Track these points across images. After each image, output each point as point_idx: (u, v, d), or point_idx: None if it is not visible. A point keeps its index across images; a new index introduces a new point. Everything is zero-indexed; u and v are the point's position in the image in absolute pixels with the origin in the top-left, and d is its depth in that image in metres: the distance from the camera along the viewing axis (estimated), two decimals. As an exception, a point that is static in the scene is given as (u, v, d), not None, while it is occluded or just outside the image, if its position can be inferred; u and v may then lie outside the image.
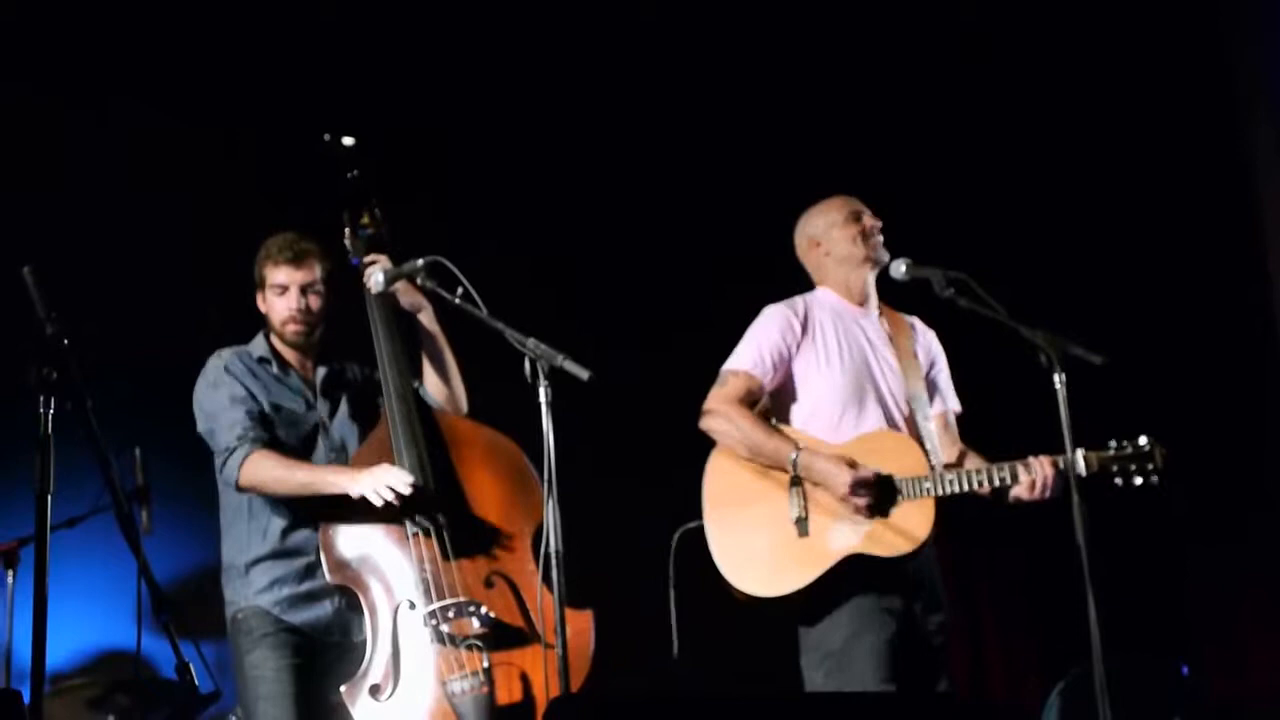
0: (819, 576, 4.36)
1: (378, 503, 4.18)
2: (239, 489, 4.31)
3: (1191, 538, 6.65)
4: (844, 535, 4.39)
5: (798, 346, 4.62)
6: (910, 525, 4.37)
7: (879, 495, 4.38)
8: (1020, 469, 4.37)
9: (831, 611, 4.39)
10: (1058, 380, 4.10)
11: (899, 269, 4.40)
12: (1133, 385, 5.22)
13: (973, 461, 4.58)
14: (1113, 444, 4.32)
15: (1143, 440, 4.34)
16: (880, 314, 4.75)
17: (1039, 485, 4.35)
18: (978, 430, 4.73)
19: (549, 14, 6.63)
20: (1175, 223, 6.76)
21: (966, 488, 4.38)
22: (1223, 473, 6.54)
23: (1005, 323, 4.19)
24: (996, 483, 4.39)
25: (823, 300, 4.73)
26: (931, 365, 4.77)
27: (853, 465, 4.38)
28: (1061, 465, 4.29)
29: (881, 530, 4.38)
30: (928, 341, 4.81)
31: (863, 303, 4.73)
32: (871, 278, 4.72)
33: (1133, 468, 4.33)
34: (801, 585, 4.36)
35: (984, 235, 6.44)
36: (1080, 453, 4.26)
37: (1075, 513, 3.97)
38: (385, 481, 4.19)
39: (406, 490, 4.19)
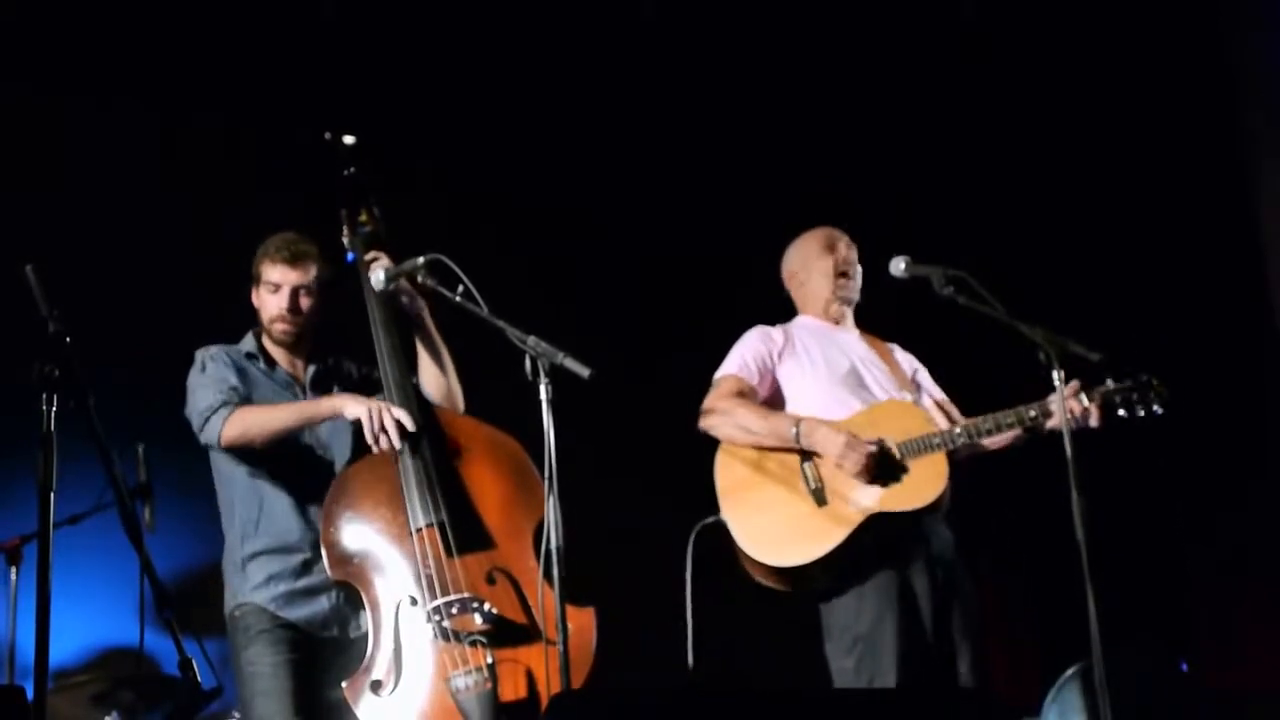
0: (846, 538, 4.42)
1: (369, 426, 4.20)
2: (223, 447, 4.31)
3: (1191, 535, 6.66)
4: (861, 498, 4.48)
5: (779, 355, 4.76)
6: (924, 479, 4.48)
7: (877, 460, 4.44)
8: (1026, 412, 4.48)
9: (855, 594, 4.46)
10: (1056, 377, 4.13)
11: (898, 267, 4.44)
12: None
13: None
14: (1110, 380, 4.39)
15: (1143, 374, 4.44)
16: (859, 334, 4.89)
17: (1071, 419, 4.37)
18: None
19: (549, 13, 6.64)
20: (1174, 221, 6.77)
21: (976, 437, 4.51)
22: (1223, 470, 6.56)
23: (1004, 320, 4.21)
24: (1003, 428, 4.51)
25: (803, 323, 4.89)
26: (915, 372, 4.91)
27: (849, 432, 4.48)
28: (1079, 393, 4.40)
29: (897, 488, 4.47)
30: (908, 357, 4.95)
31: (839, 322, 4.88)
32: (848, 310, 4.88)
33: (1135, 397, 4.43)
34: (831, 548, 4.43)
35: (984, 234, 6.45)
36: (1080, 385, 4.38)
37: (1075, 509, 3.99)
38: (389, 413, 4.21)
39: (411, 426, 4.21)
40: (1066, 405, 4.39)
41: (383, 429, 4.22)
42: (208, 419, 4.32)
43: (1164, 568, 6.60)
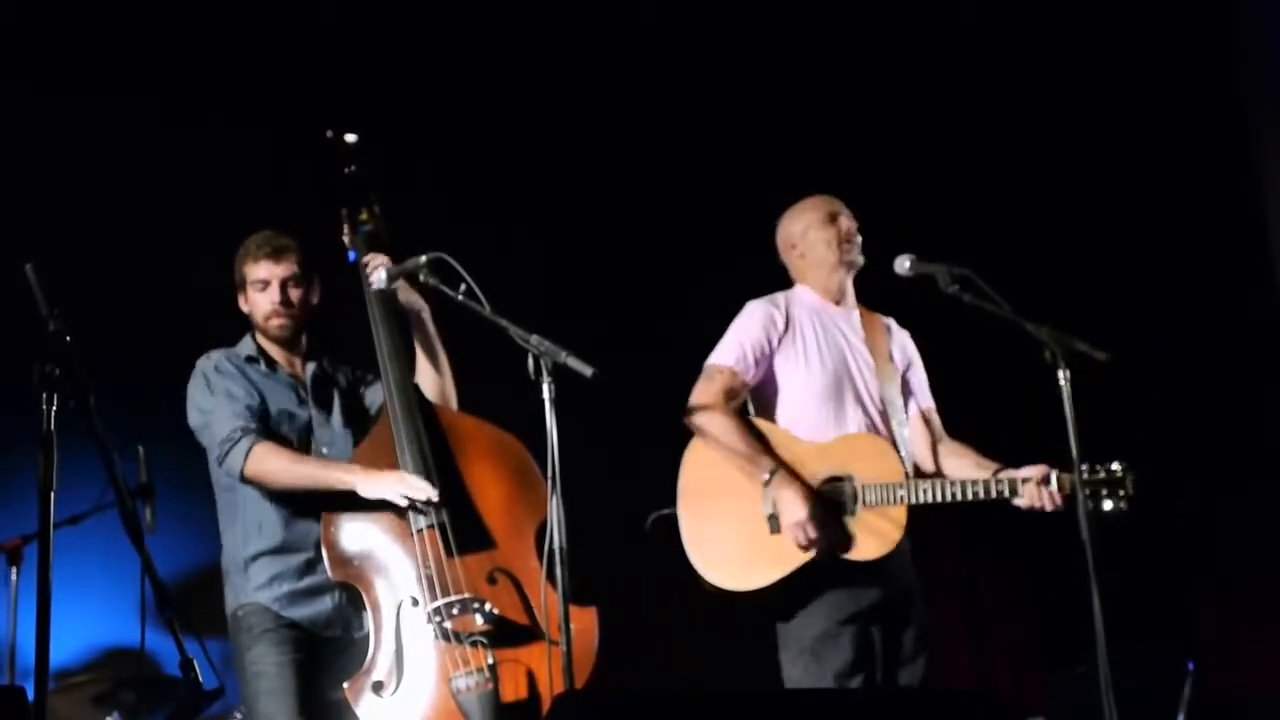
0: (784, 576, 4.40)
1: (402, 503, 4.19)
2: (243, 479, 4.30)
3: (1192, 535, 6.66)
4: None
5: (779, 341, 4.66)
6: (880, 530, 4.42)
7: (826, 536, 4.38)
8: (994, 486, 4.42)
9: (806, 606, 4.43)
10: (1062, 377, 4.10)
11: (903, 265, 4.40)
12: (1135, 383, 5.22)
13: (965, 459, 4.63)
14: (1084, 467, 4.25)
15: (1115, 465, 4.34)
16: (858, 314, 4.79)
17: (1037, 507, 4.40)
18: (981, 427, 4.74)
19: (549, 13, 6.63)
20: (1179, 218, 6.77)
21: (941, 499, 4.42)
22: (1224, 470, 6.56)
23: (1009, 319, 4.19)
24: (969, 497, 4.43)
25: (802, 298, 4.78)
26: (908, 366, 4.82)
27: (814, 507, 4.38)
28: (1050, 482, 4.37)
29: (851, 533, 4.42)
30: (903, 342, 4.85)
31: (840, 301, 4.78)
32: (849, 280, 4.78)
33: (1104, 492, 4.32)
34: (768, 583, 4.42)
35: (987, 233, 6.44)
36: (1053, 475, 4.35)
37: (1079, 509, 3.97)
38: (409, 490, 4.19)
39: (435, 496, 4.20)
40: (1035, 494, 4.37)
41: (411, 499, 4.21)
42: (229, 451, 4.31)
43: (1165, 568, 6.59)
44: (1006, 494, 4.42)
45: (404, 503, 4.20)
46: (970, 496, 4.43)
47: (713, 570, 4.46)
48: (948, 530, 4.61)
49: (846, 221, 4.74)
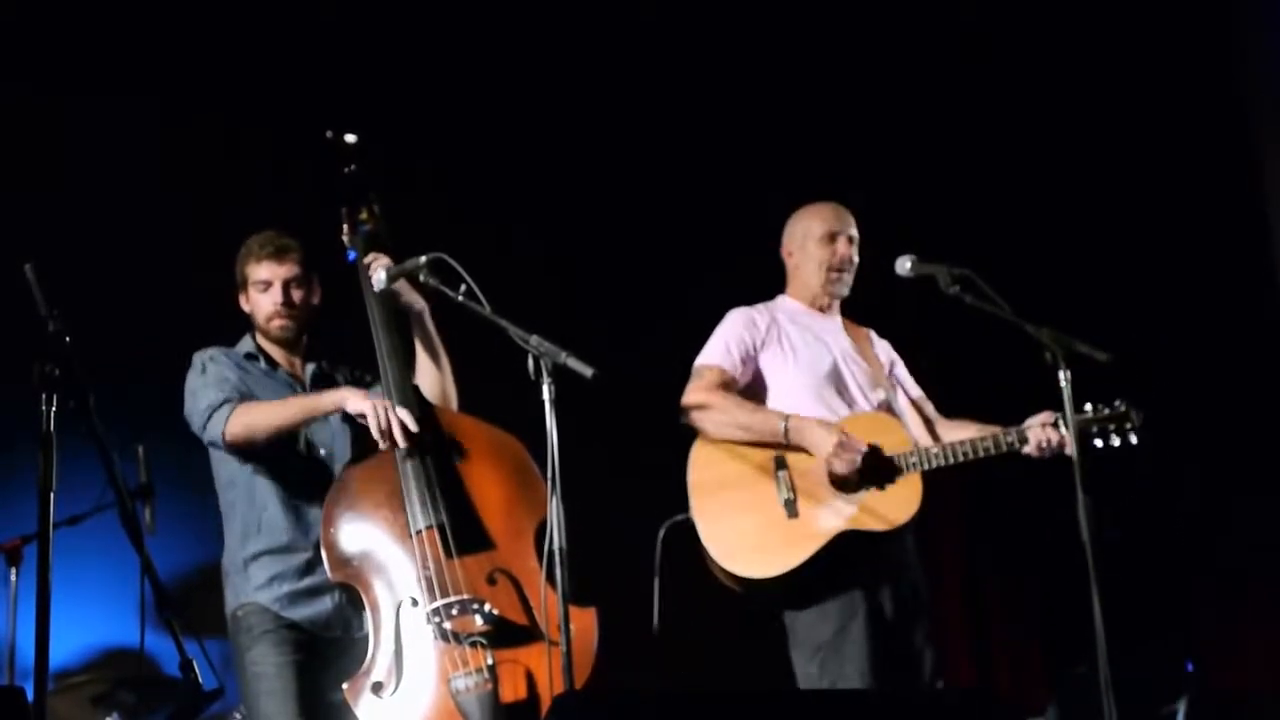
0: (810, 556, 4.40)
1: (375, 422, 4.16)
2: (227, 445, 4.29)
3: (1193, 535, 6.66)
4: (833, 514, 4.45)
5: (762, 342, 4.72)
6: (898, 500, 4.45)
7: (865, 464, 4.43)
8: (1004, 438, 4.48)
9: (819, 604, 4.44)
10: (1062, 378, 4.10)
11: (904, 265, 4.41)
12: (1136, 383, 5.21)
13: (968, 429, 4.66)
14: (1089, 406, 4.37)
15: (1118, 403, 4.44)
16: (841, 322, 4.85)
17: (1046, 448, 4.45)
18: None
19: (549, 13, 6.63)
20: (1180, 218, 6.77)
21: (953, 460, 4.48)
22: (1224, 469, 6.56)
23: (1010, 320, 4.20)
24: (980, 454, 4.48)
25: (786, 306, 4.85)
26: (892, 365, 4.88)
27: (839, 430, 4.46)
28: (1056, 423, 4.43)
29: (870, 507, 4.45)
30: (885, 348, 4.92)
31: (824, 310, 4.82)
32: (833, 302, 4.84)
33: (1111, 427, 4.42)
34: (795, 565, 4.41)
35: (987, 233, 6.45)
36: (1058, 417, 4.38)
37: (1080, 509, 3.98)
38: (392, 411, 4.18)
39: (414, 428, 4.19)
40: (1042, 434, 4.43)
41: (389, 426, 4.19)
42: (210, 416, 4.30)
43: (1165, 568, 6.60)
44: (1016, 444, 4.48)
45: (373, 427, 4.16)
46: (981, 453, 4.49)
47: (735, 560, 4.46)
48: (948, 530, 4.60)
49: (844, 247, 4.78)
